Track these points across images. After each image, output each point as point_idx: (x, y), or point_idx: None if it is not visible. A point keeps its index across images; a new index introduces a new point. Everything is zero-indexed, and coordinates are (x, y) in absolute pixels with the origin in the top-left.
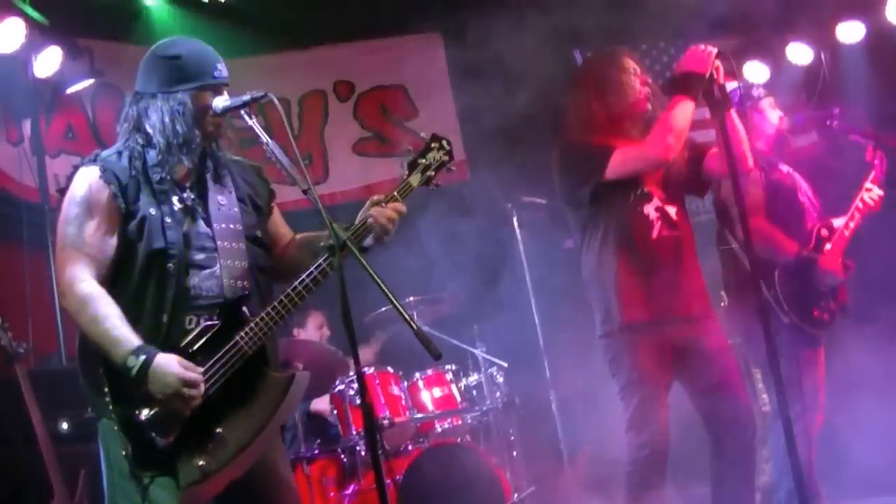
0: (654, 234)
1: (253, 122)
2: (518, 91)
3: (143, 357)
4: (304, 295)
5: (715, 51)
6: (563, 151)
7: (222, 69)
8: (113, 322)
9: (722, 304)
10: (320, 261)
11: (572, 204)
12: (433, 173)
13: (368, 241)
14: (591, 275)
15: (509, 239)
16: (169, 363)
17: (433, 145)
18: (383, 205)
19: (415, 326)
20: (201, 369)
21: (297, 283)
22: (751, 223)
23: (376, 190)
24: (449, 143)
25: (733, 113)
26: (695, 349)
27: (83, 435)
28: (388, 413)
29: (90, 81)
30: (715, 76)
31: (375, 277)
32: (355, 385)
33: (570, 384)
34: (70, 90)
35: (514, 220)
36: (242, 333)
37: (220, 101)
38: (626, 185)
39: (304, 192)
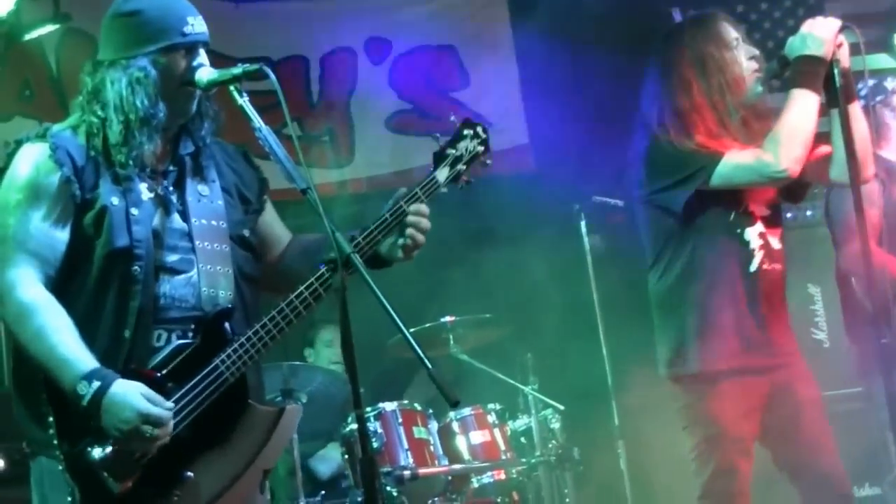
0: (754, 266)
1: (244, 102)
2: (599, 59)
3: (96, 384)
4: (302, 312)
5: (838, 23)
6: (654, 147)
7: (195, 24)
8: (62, 337)
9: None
10: (323, 270)
11: (660, 207)
12: (465, 167)
13: (397, 253)
14: (664, 302)
15: (575, 248)
16: (128, 393)
17: (465, 132)
18: (399, 209)
19: (429, 365)
20: (170, 403)
21: (293, 297)
22: (856, 247)
23: (414, 177)
24: (485, 129)
25: (857, 106)
26: (785, 398)
27: (21, 475)
28: (411, 461)
29: (54, 27)
30: (837, 57)
31: (381, 299)
32: (371, 424)
33: (645, 434)
34: (28, 37)
35: (582, 224)
36: (224, 356)
37: (205, 74)
38: (725, 199)
39: (303, 191)
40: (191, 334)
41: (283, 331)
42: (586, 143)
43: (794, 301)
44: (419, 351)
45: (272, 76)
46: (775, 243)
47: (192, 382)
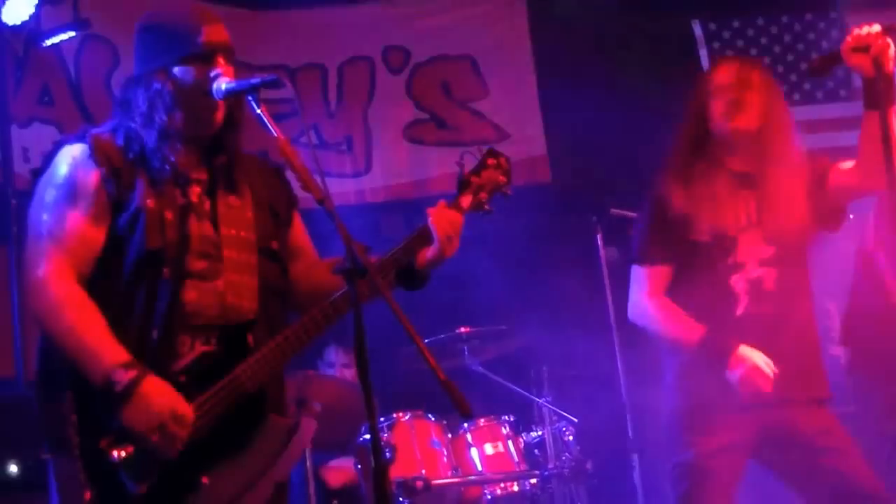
0: (740, 311)
1: (261, 112)
2: (618, 72)
3: (133, 372)
4: (324, 326)
5: (878, 28)
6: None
7: (210, 32)
8: (98, 332)
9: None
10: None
11: None
12: (487, 196)
13: (429, 254)
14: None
15: (591, 261)
16: (163, 388)
17: (489, 162)
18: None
19: (442, 376)
20: (192, 407)
21: (317, 310)
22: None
23: (432, 187)
24: (509, 161)
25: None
26: (790, 439)
27: (34, 482)
28: (424, 472)
29: (73, 33)
30: (881, 61)
31: (397, 309)
32: (384, 435)
33: (659, 448)
34: (47, 43)
35: (599, 237)
36: (245, 366)
37: (222, 83)
38: (714, 251)
39: (319, 202)
40: (214, 342)
41: (304, 343)
42: (604, 156)
43: None
44: (432, 362)
45: (289, 85)
46: (770, 283)
47: (213, 389)
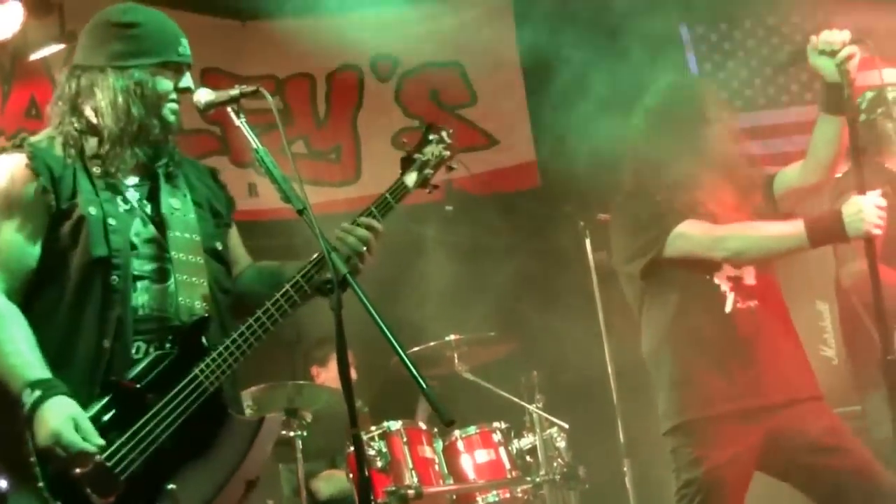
0: (728, 307)
1: (241, 123)
2: (606, 76)
3: (37, 393)
4: (279, 320)
5: (847, 35)
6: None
7: (186, 46)
8: (16, 346)
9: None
10: (308, 268)
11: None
12: (432, 171)
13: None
14: (652, 360)
15: (580, 265)
16: (58, 413)
17: (431, 137)
18: (354, 222)
19: (424, 385)
20: (101, 441)
21: (269, 304)
22: (860, 264)
23: (420, 194)
24: (450, 134)
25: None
26: (794, 442)
27: None
28: (416, 480)
29: (60, 46)
30: (846, 68)
31: (377, 319)
32: (376, 444)
33: (650, 453)
34: (34, 56)
35: (587, 242)
36: (203, 366)
37: (204, 95)
38: None
39: (299, 212)
40: (168, 345)
41: (260, 339)
42: (592, 161)
43: (802, 318)
44: (414, 371)
45: (269, 97)
46: (749, 279)
47: (172, 393)
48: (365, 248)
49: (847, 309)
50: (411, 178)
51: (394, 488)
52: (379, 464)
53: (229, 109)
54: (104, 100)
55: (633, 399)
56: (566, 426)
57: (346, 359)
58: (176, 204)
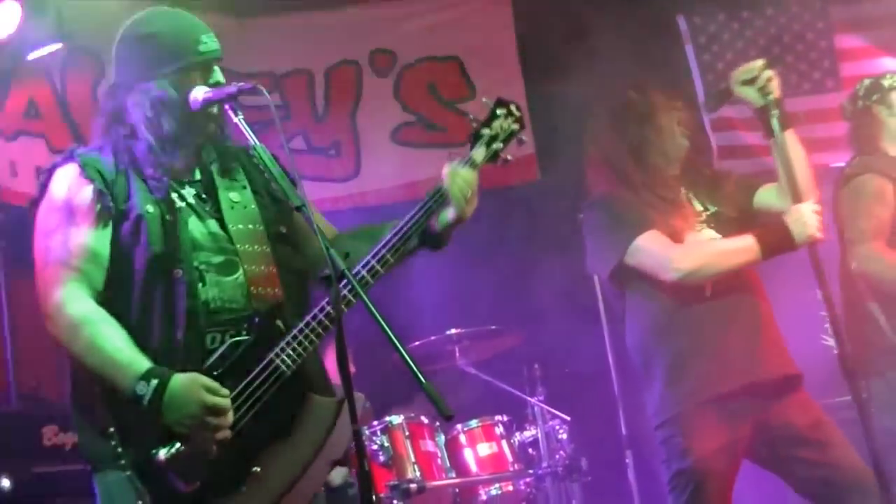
0: (707, 294)
1: (238, 120)
2: (605, 69)
3: (154, 382)
4: (352, 301)
5: (761, 62)
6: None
7: (209, 41)
8: (115, 345)
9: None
10: (392, 238)
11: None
12: (502, 145)
13: (450, 215)
14: (638, 357)
15: (579, 258)
16: (188, 387)
17: (499, 112)
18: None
19: (423, 379)
20: (226, 391)
21: (340, 286)
22: (867, 248)
23: (420, 189)
24: (518, 108)
25: (793, 133)
26: (782, 433)
27: (30, 496)
28: (418, 474)
29: (58, 46)
30: (767, 90)
31: (375, 313)
32: (378, 438)
33: (653, 444)
34: (32, 56)
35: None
36: (278, 350)
37: (199, 93)
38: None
39: (297, 209)
40: (244, 333)
41: (333, 320)
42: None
43: (802, 307)
44: (413, 365)
45: (266, 94)
46: None
47: (250, 377)
48: (470, 193)
49: (852, 294)
50: (480, 154)
51: (396, 483)
52: (381, 458)
53: (226, 107)
54: (138, 116)
55: (634, 391)
56: (568, 419)
57: (346, 354)
58: (235, 197)
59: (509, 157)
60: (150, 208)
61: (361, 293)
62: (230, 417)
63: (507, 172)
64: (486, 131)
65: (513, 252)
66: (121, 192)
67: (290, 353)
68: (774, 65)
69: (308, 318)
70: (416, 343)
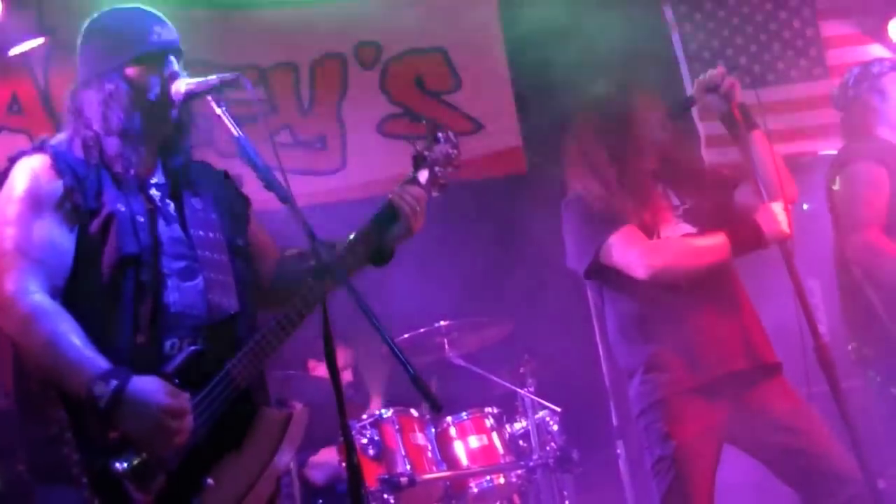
0: (684, 285)
1: (222, 112)
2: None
3: (113, 383)
4: (304, 314)
5: (722, 69)
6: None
7: (162, 31)
8: (72, 341)
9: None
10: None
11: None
12: (441, 170)
13: (398, 230)
14: (615, 345)
15: None
16: (147, 388)
17: (440, 136)
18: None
19: (412, 371)
20: (186, 394)
21: (295, 299)
22: (863, 236)
23: None
24: (455, 135)
25: (761, 134)
26: (758, 418)
27: (18, 494)
28: (409, 467)
29: (40, 41)
30: (730, 96)
31: (364, 306)
32: (368, 432)
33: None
34: (14, 51)
35: None
36: (235, 361)
37: (182, 85)
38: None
39: (283, 201)
40: (200, 341)
41: (289, 334)
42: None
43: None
44: (402, 357)
45: (249, 87)
46: None
47: (207, 388)
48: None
49: (848, 281)
50: (424, 176)
51: (386, 476)
52: (371, 452)
53: (210, 98)
54: (92, 112)
55: (624, 381)
56: (559, 410)
57: (333, 348)
58: (198, 204)
59: (445, 184)
60: (121, 207)
61: (351, 286)
62: (189, 422)
63: (494, 164)
64: (428, 155)
65: (501, 244)
66: (91, 188)
67: (246, 365)
68: (734, 70)
69: (263, 331)
70: (405, 336)
